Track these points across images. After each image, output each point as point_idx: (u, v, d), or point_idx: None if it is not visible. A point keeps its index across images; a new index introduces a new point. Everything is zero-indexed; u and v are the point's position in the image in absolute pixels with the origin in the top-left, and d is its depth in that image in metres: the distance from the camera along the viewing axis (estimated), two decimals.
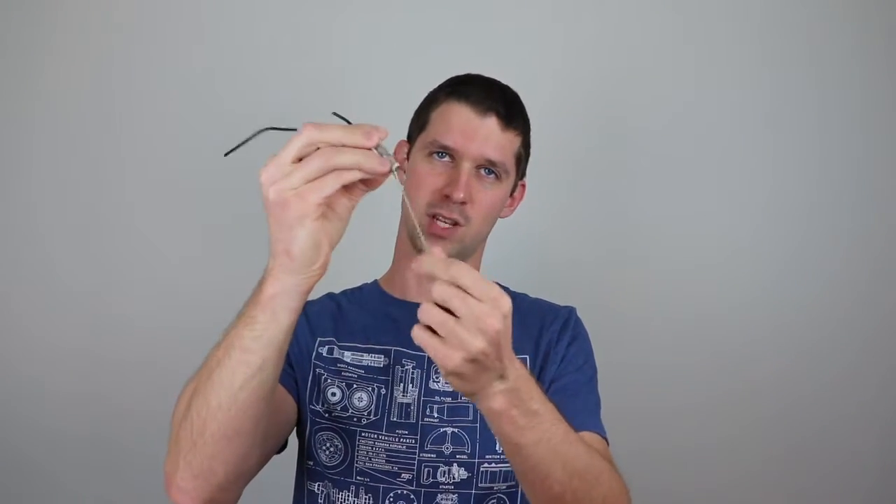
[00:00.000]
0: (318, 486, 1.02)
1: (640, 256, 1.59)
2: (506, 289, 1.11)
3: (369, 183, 0.69)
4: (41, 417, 1.57)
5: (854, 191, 1.58)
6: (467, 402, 1.01)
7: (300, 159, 0.65)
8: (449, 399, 1.02)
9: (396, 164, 0.68)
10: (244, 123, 1.52)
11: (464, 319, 0.64)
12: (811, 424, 1.56)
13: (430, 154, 1.04)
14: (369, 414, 1.01)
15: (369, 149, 0.66)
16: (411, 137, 1.10)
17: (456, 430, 1.00)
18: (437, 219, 1.02)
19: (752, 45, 1.59)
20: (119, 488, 1.57)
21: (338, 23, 1.60)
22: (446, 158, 1.03)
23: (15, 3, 1.58)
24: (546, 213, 1.55)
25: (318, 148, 0.65)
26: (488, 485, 1.00)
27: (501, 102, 1.04)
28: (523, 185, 1.14)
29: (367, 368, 1.04)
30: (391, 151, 0.70)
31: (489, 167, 1.03)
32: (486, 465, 1.00)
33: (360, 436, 1.00)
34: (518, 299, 1.12)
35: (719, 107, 1.59)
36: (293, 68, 1.59)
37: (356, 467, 0.99)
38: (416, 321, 1.06)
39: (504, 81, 1.09)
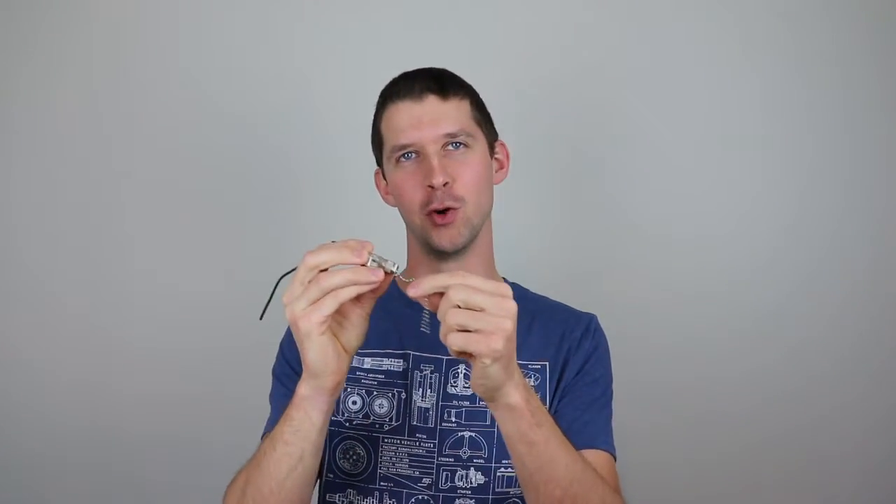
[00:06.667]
0: (339, 496, 1.02)
1: (641, 259, 1.59)
2: (525, 290, 1.14)
3: (375, 290, 0.79)
4: (39, 421, 1.56)
5: (855, 191, 1.57)
6: (485, 407, 1.02)
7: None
8: (467, 403, 1.03)
9: (397, 267, 0.78)
10: (242, 127, 1.57)
11: (489, 309, 0.73)
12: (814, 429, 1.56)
13: (398, 161, 1.04)
14: (391, 420, 1.02)
15: (364, 264, 0.76)
16: (379, 162, 1.11)
17: (473, 434, 1.02)
18: (434, 214, 1.02)
19: (752, 44, 1.58)
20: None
21: (334, 22, 1.60)
22: (413, 157, 1.03)
23: (2, 3, 1.56)
24: (547, 215, 1.56)
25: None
26: (504, 489, 1.01)
27: (430, 80, 1.04)
28: (503, 144, 1.13)
29: (388, 373, 1.05)
30: (387, 257, 0.79)
31: (452, 141, 1.03)
32: (502, 469, 1.01)
33: (382, 442, 1.01)
34: (540, 302, 1.13)
35: (722, 107, 1.58)
36: (288, 68, 1.60)
37: (379, 473, 1.00)
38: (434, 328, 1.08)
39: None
